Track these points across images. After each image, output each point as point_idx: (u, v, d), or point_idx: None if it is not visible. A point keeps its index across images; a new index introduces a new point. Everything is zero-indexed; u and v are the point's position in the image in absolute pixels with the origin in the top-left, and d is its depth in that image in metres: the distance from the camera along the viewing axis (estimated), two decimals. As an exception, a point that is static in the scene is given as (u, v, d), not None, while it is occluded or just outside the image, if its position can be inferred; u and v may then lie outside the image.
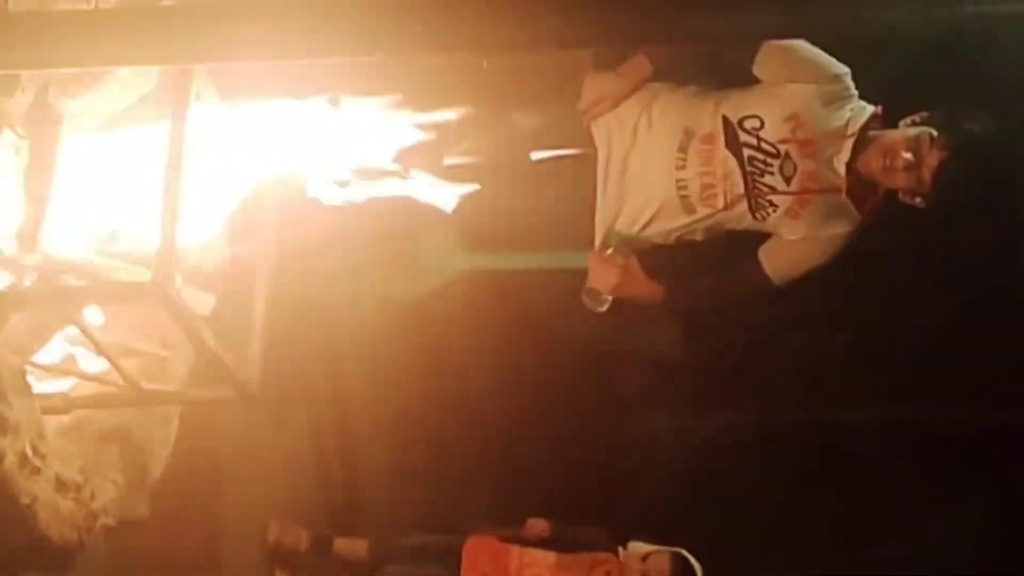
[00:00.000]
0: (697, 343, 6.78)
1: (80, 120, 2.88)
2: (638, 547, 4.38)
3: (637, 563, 4.29)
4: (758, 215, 3.38)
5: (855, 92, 3.36)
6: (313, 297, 4.47)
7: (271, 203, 3.12)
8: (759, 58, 3.31)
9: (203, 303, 2.99)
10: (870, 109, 3.35)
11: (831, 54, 3.33)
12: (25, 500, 2.61)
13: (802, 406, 6.87)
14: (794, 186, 3.32)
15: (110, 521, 2.90)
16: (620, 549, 4.39)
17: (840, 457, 6.71)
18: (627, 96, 3.46)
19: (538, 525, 4.50)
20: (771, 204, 3.35)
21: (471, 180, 3.53)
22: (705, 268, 3.59)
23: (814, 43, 3.28)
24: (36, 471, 2.63)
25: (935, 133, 3.23)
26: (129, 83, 2.87)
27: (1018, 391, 6.09)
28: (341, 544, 4.56)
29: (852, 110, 3.33)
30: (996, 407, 6.35)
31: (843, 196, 3.33)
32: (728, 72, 3.38)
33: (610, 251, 3.46)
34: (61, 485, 2.71)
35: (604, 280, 3.50)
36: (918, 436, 6.61)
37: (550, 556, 4.38)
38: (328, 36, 2.13)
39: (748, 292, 3.63)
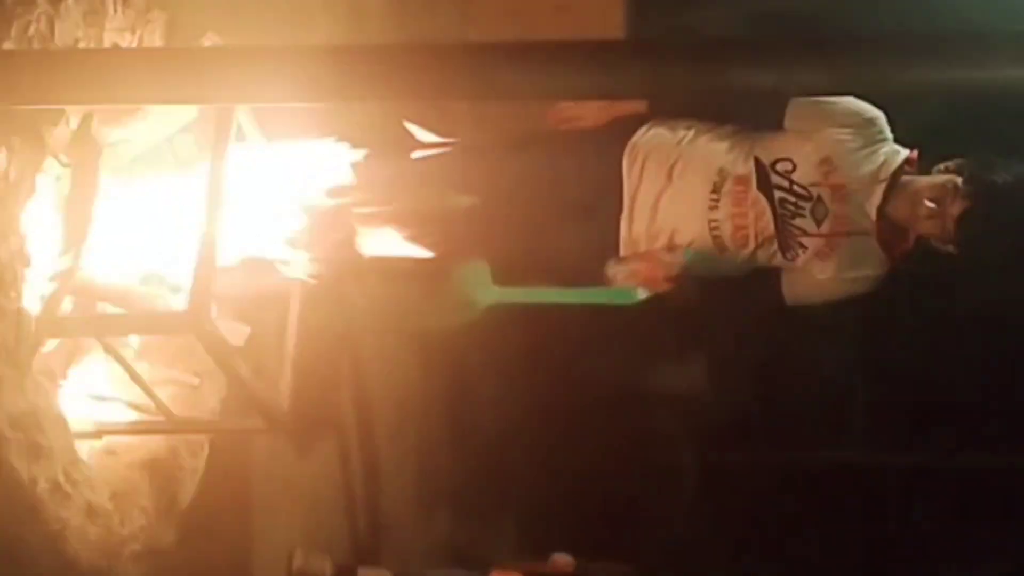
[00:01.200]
0: (726, 378, 6.79)
1: (121, 149, 2.92)
2: None
3: None
4: (788, 255, 3.39)
5: (890, 136, 3.36)
6: (343, 328, 4.50)
7: (305, 235, 3.14)
8: (791, 109, 3.32)
9: (238, 334, 3.01)
10: (904, 153, 3.35)
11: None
12: (55, 526, 2.62)
13: (830, 445, 6.86)
14: (824, 228, 3.33)
15: (138, 548, 2.91)
16: (644, 584, 4.36)
17: (870, 499, 6.70)
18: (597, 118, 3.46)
19: (562, 560, 4.48)
20: (801, 245, 3.37)
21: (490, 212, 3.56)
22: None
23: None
24: (67, 497, 2.65)
25: (960, 182, 3.23)
26: (170, 114, 2.91)
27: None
28: (365, 574, 4.56)
29: (886, 154, 3.34)
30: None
31: (873, 240, 3.34)
32: (762, 114, 3.40)
33: (674, 258, 3.40)
34: (91, 511, 2.72)
35: (653, 280, 3.43)
36: (948, 480, 6.60)
37: (573, 591, 4.36)
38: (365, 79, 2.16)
39: (761, 306, 3.64)
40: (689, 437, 6.87)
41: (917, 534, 6.68)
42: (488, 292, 3.94)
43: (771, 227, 3.36)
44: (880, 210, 3.33)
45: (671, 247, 3.44)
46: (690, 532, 6.56)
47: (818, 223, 3.34)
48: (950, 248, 3.29)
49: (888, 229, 3.37)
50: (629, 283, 3.46)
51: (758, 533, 6.61)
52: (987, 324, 5.96)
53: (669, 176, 3.44)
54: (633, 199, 3.47)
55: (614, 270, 3.49)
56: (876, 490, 6.81)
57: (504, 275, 3.90)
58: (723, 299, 3.62)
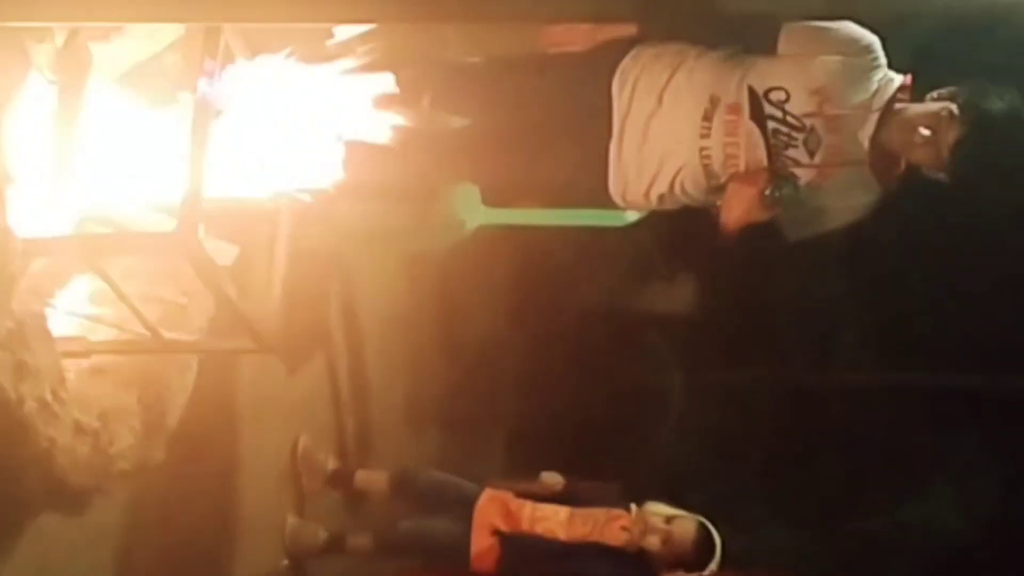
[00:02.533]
0: (714, 300, 6.80)
1: (108, 67, 2.89)
2: (658, 507, 4.35)
3: (660, 522, 4.27)
4: None
5: (884, 62, 3.33)
6: (332, 248, 4.49)
7: (295, 157, 3.12)
8: (785, 33, 3.28)
9: (225, 254, 3.00)
10: (898, 80, 3.32)
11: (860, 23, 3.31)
12: (43, 444, 2.63)
13: (816, 367, 6.89)
14: (817, 159, 3.31)
15: (127, 466, 2.93)
16: (633, 506, 4.38)
17: (851, 419, 6.73)
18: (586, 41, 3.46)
19: (552, 479, 4.51)
20: (793, 175, 3.35)
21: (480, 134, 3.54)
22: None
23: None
24: (55, 416, 2.65)
25: (955, 109, 3.21)
26: (158, 31, 2.87)
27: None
28: (362, 476, 4.60)
29: (880, 81, 3.31)
30: (1011, 373, 6.37)
31: (866, 169, 3.32)
32: (755, 38, 3.36)
33: (772, 193, 3.36)
34: (79, 430, 2.73)
35: (747, 214, 3.40)
36: (931, 400, 6.63)
37: (563, 511, 4.38)
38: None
39: (761, 245, 3.63)
40: (677, 357, 6.89)
41: (902, 455, 6.72)
42: (477, 213, 3.93)
43: (764, 159, 3.34)
44: (873, 139, 3.31)
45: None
46: (677, 451, 6.60)
47: (811, 154, 3.31)
48: (942, 176, 3.28)
49: (880, 156, 3.35)
50: (732, 210, 3.42)
51: (745, 453, 6.66)
52: (976, 252, 5.95)
53: (659, 100, 3.41)
54: (623, 122, 3.45)
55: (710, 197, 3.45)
56: (863, 409, 6.85)
57: (493, 197, 3.89)
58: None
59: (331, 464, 4.51)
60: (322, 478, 4.48)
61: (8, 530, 2.84)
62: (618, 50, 3.48)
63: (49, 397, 2.61)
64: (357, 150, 3.64)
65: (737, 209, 3.41)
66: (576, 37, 3.51)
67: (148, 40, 2.91)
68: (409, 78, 3.40)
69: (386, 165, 3.63)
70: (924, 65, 3.43)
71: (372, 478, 4.59)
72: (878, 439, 6.80)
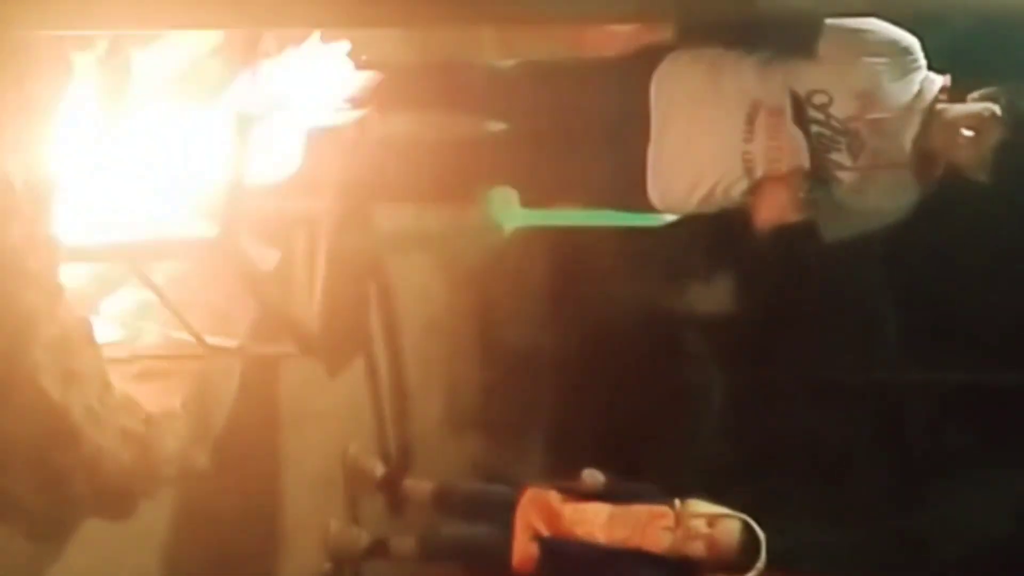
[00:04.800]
0: (752, 299, 6.79)
1: (150, 71, 2.90)
2: (700, 506, 4.30)
3: (703, 525, 4.21)
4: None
5: (923, 63, 3.32)
6: (372, 252, 4.51)
7: (334, 158, 3.13)
8: (825, 35, 3.27)
9: (268, 258, 3.01)
10: (939, 81, 3.31)
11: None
12: (90, 450, 2.65)
13: (856, 365, 6.87)
14: (861, 163, 3.29)
15: (172, 472, 2.94)
16: (676, 502, 4.34)
17: (893, 417, 6.71)
18: (624, 45, 3.45)
19: (593, 477, 4.49)
20: (835, 180, 3.34)
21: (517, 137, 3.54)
22: None
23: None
24: (101, 422, 2.67)
25: (997, 109, 3.19)
26: (197, 38, 2.89)
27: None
28: (410, 484, 4.62)
29: (921, 82, 3.30)
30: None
31: (908, 171, 3.31)
32: (794, 41, 3.35)
33: (805, 194, 3.35)
34: (125, 436, 2.75)
35: (779, 214, 3.40)
36: (973, 398, 6.60)
37: (603, 510, 4.35)
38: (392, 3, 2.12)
39: (799, 244, 3.62)
40: (716, 356, 6.88)
41: (944, 453, 6.69)
42: (514, 215, 3.94)
43: (806, 162, 3.32)
44: (916, 141, 3.30)
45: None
46: (717, 450, 6.59)
47: (854, 157, 3.30)
48: (983, 177, 3.26)
49: (922, 158, 3.33)
50: (765, 211, 3.40)
51: (786, 451, 6.64)
52: (1016, 250, 5.92)
53: (699, 104, 3.40)
54: (661, 126, 3.44)
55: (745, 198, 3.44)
56: (903, 409, 6.82)
57: (530, 199, 3.90)
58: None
59: (379, 471, 4.53)
60: (371, 484, 4.50)
61: (55, 535, 2.87)
62: (655, 54, 3.48)
63: (95, 403, 2.63)
64: (394, 154, 3.67)
65: (770, 209, 3.40)
66: (613, 41, 3.51)
67: (189, 46, 2.92)
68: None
69: (423, 169, 3.65)
70: (961, 65, 3.42)
71: (419, 487, 4.60)
72: (920, 437, 6.77)
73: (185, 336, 2.89)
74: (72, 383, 2.55)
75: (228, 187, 2.57)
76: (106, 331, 2.87)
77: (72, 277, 2.65)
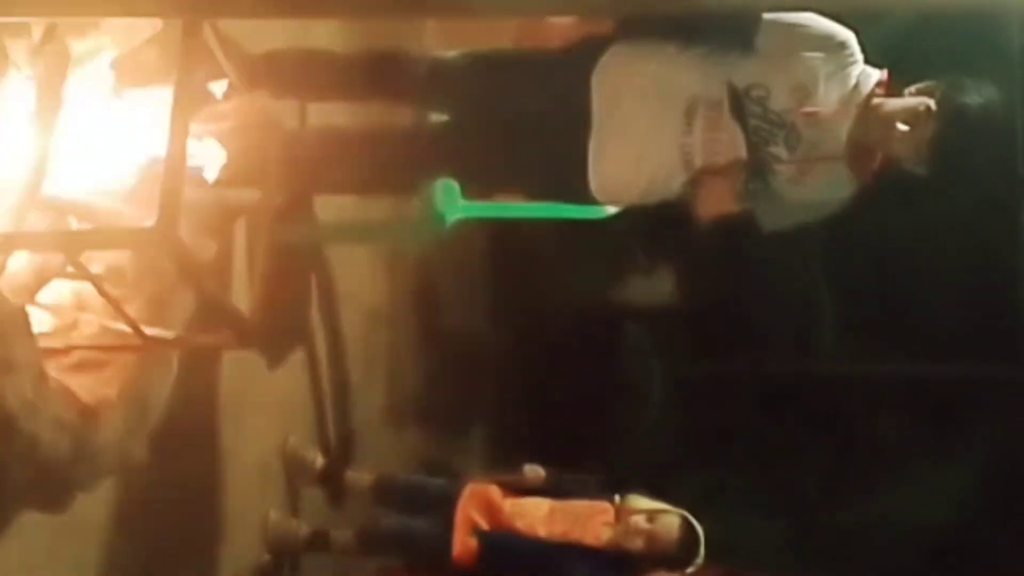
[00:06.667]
0: (693, 291, 6.83)
1: (86, 60, 2.88)
2: (640, 501, 4.33)
3: (643, 520, 4.23)
4: (759, 182, 3.39)
5: (860, 57, 3.36)
6: (312, 242, 4.49)
7: (271, 149, 3.12)
8: (762, 29, 3.30)
9: (205, 249, 2.99)
10: (875, 76, 3.35)
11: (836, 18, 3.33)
12: (25, 440, 2.62)
13: (795, 357, 6.93)
14: (797, 155, 3.34)
15: (109, 463, 2.92)
16: (616, 498, 4.36)
17: (831, 410, 6.77)
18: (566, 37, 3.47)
19: (534, 471, 4.50)
20: (773, 172, 3.37)
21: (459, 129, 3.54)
22: None
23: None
24: (36, 411, 2.64)
25: (933, 104, 3.24)
26: (136, 25, 2.87)
27: (1013, 347, 6.16)
28: (351, 476, 4.61)
29: (858, 76, 3.34)
30: (988, 363, 6.41)
31: (844, 164, 3.35)
32: (733, 35, 3.38)
33: (743, 186, 3.37)
34: (61, 426, 2.72)
35: (719, 205, 3.42)
36: (910, 391, 6.67)
37: (544, 505, 4.37)
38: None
39: (738, 236, 3.66)
40: (657, 349, 6.91)
41: (882, 445, 6.76)
42: (456, 207, 3.94)
43: (744, 155, 3.36)
44: (851, 134, 3.34)
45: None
46: (658, 445, 6.62)
47: (791, 150, 3.34)
48: (920, 169, 3.31)
49: (858, 152, 3.38)
50: (705, 202, 3.43)
51: (724, 446, 6.69)
52: (952, 242, 6.00)
53: (639, 97, 3.42)
54: (602, 118, 3.46)
55: (686, 189, 3.46)
56: (841, 401, 6.88)
57: (473, 191, 3.90)
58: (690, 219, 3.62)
59: (319, 462, 4.51)
60: (311, 476, 4.49)
61: (-11, 527, 2.84)
62: (597, 47, 3.49)
63: (31, 394, 2.60)
64: (335, 144, 3.66)
65: (709, 201, 3.44)
66: (553, 33, 3.53)
67: (125, 35, 2.89)
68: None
69: (365, 160, 3.64)
70: (901, 60, 3.47)
71: (360, 479, 4.59)
72: (858, 430, 6.84)
73: (122, 327, 2.87)
74: (7, 373, 2.52)
75: (165, 176, 2.54)
76: (42, 321, 2.84)
77: (7, 266, 2.63)
